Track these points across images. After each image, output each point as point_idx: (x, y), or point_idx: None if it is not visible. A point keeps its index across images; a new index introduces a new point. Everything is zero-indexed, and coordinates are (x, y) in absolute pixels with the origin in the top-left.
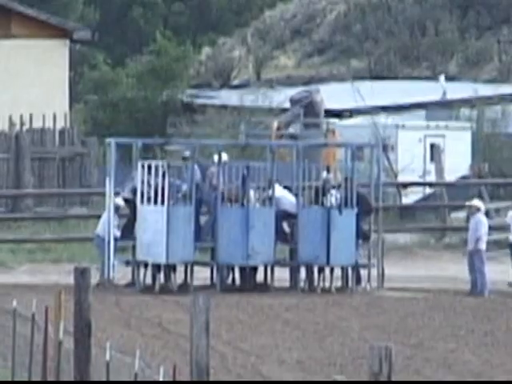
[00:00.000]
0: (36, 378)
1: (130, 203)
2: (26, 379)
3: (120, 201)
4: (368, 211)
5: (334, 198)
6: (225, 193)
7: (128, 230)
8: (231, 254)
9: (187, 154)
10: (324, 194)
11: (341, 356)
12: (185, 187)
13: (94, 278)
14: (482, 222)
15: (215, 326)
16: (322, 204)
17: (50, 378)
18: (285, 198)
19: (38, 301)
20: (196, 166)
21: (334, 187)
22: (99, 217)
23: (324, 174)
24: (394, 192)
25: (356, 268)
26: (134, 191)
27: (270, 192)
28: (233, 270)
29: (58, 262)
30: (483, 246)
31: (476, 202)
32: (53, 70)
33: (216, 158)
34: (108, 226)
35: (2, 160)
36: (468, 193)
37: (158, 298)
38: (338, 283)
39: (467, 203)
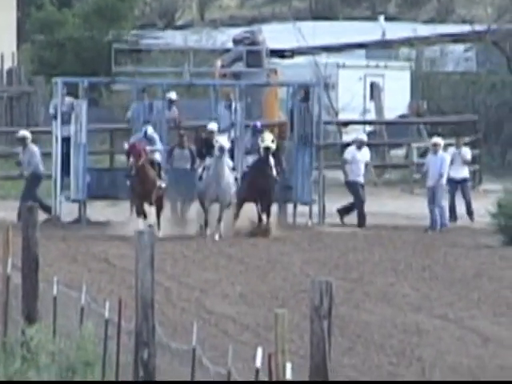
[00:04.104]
0: None
1: None
2: None
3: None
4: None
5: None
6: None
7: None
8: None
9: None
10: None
11: (283, 290)
12: None
13: (41, 215)
14: (444, 159)
15: (160, 261)
16: None
17: None
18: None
19: None
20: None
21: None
22: (47, 155)
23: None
24: (335, 130)
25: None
26: None
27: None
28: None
29: (6, 199)
30: (445, 181)
31: (438, 140)
32: (1, 11)
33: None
34: (54, 162)
35: None
36: (407, 131)
37: (104, 233)
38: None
39: (432, 141)
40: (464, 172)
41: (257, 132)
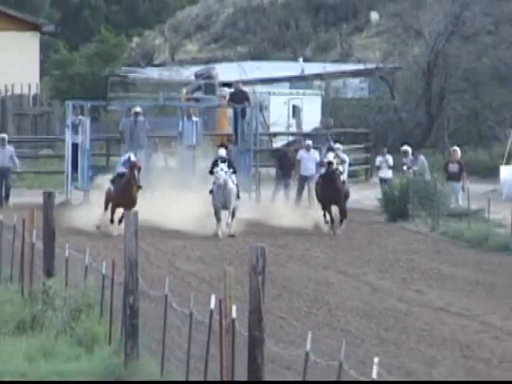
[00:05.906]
0: (15, 270)
1: None
2: (8, 272)
3: None
4: None
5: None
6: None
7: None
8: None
9: (138, 109)
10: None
11: (230, 254)
12: None
13: (58, 199)
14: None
15: (142, 233)
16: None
17: (26, 269)
18: None
19: (17, 215)
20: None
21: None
22: (61, 156)
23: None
24: (267, 139)
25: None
26: None
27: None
28: None
29: (31, 188)
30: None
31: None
32: (28, 53)
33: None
34: (67, 161)
35: None
36: (319, 139)
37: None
38: None
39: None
40: (389, 173)
41: (330, 150)
